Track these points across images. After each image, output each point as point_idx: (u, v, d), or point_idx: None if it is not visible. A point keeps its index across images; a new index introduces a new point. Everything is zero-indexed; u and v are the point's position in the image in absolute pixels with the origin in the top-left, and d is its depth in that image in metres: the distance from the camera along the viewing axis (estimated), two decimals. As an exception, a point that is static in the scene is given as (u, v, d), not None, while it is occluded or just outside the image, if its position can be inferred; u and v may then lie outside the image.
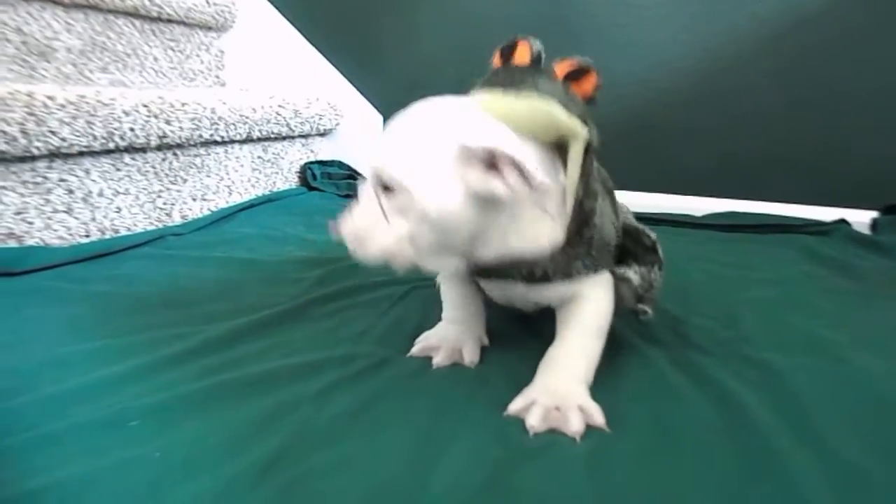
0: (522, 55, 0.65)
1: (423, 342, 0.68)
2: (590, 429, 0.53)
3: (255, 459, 0.47)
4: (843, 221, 1.31)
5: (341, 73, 1.76)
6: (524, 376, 0.59)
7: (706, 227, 1.35)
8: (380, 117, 1.76)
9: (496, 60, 0.67)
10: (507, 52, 0.66)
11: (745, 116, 1.47)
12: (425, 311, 0.79)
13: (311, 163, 1.63)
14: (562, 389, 0.56)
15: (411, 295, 0.86)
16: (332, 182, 1.62)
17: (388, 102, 1.75)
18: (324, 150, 1.70)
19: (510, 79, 0.61)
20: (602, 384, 0.59)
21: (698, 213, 1.42)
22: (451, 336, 0.67)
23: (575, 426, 0.52)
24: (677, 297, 0.87)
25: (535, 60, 0.64)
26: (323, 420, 0.53)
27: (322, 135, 1.68)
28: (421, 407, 0.56)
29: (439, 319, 0.71)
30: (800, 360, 0.67)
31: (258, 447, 0.49)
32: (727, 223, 1.35)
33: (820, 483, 0.46)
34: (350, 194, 1.59)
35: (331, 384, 0.59)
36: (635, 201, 1.30)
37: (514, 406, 0.55)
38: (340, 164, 1.68)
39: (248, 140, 1.40)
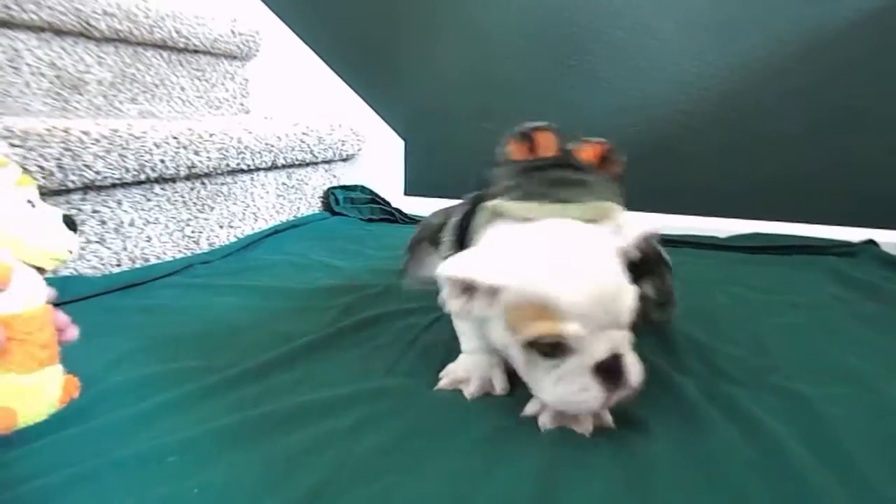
0: (547, 145, 0.65)
1: (452, 375, 0.68)
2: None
3: (292, 496, 0.48)
4: (871, 242, 1.30)
5: (363, 98, 1.79)
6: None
7: (731, 248, 1.35)
8: (401, 142, 1.78)
9: (517, 151, 0.66)
10: (529, 142, 0.65)
11: (768, 137, 1.47)
12: (454, 340, 0.79)
13: (335, 188, 1.65)
14: None
15: (437, 324, 0.87)
16: (355, 206, 1.64)
17: (409, 127, 1.78)
18: (346, 175, 1.72)
19: (552, 178, 0.62)
20: (632, 416, 0.59)
21: (723, 235, 1.41)
22: (480, 366, 0.68)
23: (585, 425, 0.58)
24: (704, 321, 0.87)
25: (564, 150, 0.65)
26: (357, 456, 0.53)
27: (345, 160, 1.70)
28: (456, 441, 0.56)
29: (460, 351, 0.71)
30: (831, 390, 0.66)
31: (295, 483, 0.49)
32: (752, 244, 1.35)
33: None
34: (373, 218, 1.62)
35: (363, 419, 0.59)
36: (659, 223, 1.30)
37: (529, 408, 0.61)
38: (363, 189, 1.70)
39: (273, 167, 1.42)
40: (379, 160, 1.76)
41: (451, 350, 0.75)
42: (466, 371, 0.68)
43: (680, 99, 1.51)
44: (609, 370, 0.53)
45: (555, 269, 0.53)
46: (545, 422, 0.58)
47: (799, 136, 1.45)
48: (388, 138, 1.77)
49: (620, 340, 0.54)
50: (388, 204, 1.67)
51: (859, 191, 1.41)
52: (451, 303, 0.58)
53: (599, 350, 0.53)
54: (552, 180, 0.62)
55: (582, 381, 0.53)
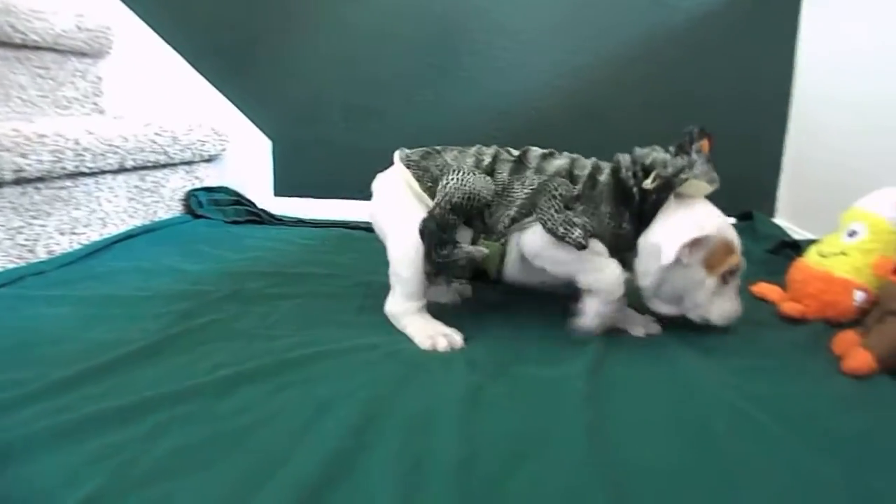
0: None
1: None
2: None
3: (67, 506, 0.46)
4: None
5: (227, 97, 1.74)
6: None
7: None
8: (268, 142, 1.75)
9: (705, 145, 0.84)
10: (709, 138, 0.85)
11: (614, 130, 1.56)
12: (299, 335, 0.80)
13: (196, 190, 1.60)
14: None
15: (280, 323, 0.87)
16: (219, 208, 1.59)
17: (277, 127, 1.75)
18: (211, 177, 1.67)
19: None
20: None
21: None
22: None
23: (638, 329, 0.88)
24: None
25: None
26: (146, 461, 0.52)
27: (207, 161, 1.65)
28: (249, 443, 0.56)
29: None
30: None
31: (74, 492, 0.48)
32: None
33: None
34: (238, 220, 1.58)
35: (161, 424, 0.58)
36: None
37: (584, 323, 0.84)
38: (227, 191, 1.65)
39: (123, 170, 1.36)
40: (245, 160, 1.72)
41: (293, 346, 0.74)
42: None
43: (534, 96, 1.58)
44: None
45: (724, 225, 0.82)
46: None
47: (639, 129, 1.54)
48: (254, 138, 1.73)
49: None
50: (254, 205, 1.63)
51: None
52: (686, 257, 0.79)
53: (743, 263, 0.84)
54: (713, 168, 0.83)
55: (733, 295, 0.84)
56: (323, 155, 1.73)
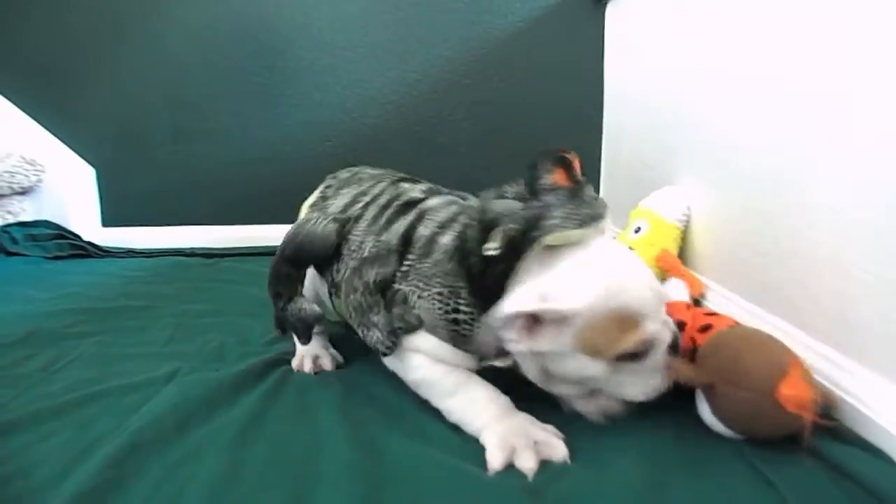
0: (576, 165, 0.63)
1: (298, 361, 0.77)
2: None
3: None
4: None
5: (42, 125, 1.62)
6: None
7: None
8: (92, 170, 1.65)
9: (560, 176, 0.62)
10: (568, 166, 0.62)
11: (444, 145, 1.61)
12: (88, 374, 0.77)
13: (9, 226, 1.48)
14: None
15: (73, 363, 0.82)
16: (38, 244, 1.48)
17: (101, 153, 1.65)
18: (27, 211, 1.55)
19: (586, 199, 0.61)
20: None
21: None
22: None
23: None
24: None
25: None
26: None
27: (22, 193, 1.53)
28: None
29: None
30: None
31: None
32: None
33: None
34: (60, 255, 1.47)
35: None
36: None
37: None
38: (48, 224, 1.54)
39: None
40: (66, 191, 1.61)
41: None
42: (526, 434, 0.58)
43: (368, 113, 1.60)
44: (673, 345, 0.60)
45: (619, 282, 0.57)
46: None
47: (467, 141, 1.61)
48: (75, 166, 1.63)
49: (665, 316, 0.61)
50: (79, 238, 1.53)
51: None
52: (517, 342, 0.57)
53: (666, 334, 0.59)
54: (587, 201, 0.61)
55: (663, 367, 0.59)
56: (153, 181, 1.66)
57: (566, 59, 1.58)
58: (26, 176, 1.50)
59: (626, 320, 0.56)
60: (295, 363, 0.78)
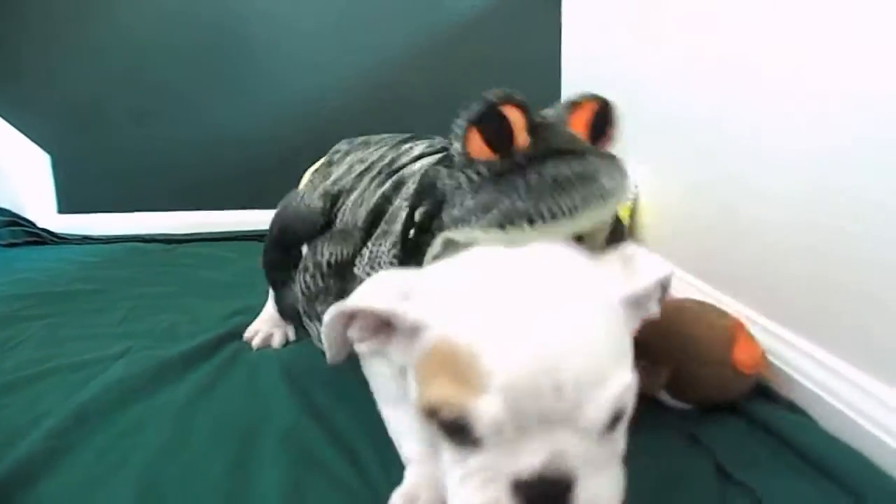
0: (520, 125, 0.44)
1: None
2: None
3: None
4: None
5: (-8, 110, 1.58)
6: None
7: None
8: (46, 156, 1.62)
9: (480, 146, 0.44)
10: (498, 127, 0.43)
11: (414, 124, 1.61)
12: (38, 354, 0.77)
13: (-41, 213, 1.45)
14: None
15: (22, 344, 0.82)
16: (-10, 232, 1.45)
17: (56, 139, 1.62)
18: (-22, 198, 1.52)
19: (544, 182, 0.42)
20: None
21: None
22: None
23: None
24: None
25: (545, 129, 0.45)
26: None
27: (-28, 180, 1.50)
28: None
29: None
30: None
31: None
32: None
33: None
34: (15, 242, 1.45)
35: None
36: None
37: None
38: (1, 211, 1.51)
39: None
40: (19, 177, 1.58)
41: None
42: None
43: (330, 93, 1.60)
44: (538, 497, 0.34)
45: (498, 314, 0.35)
46: None
47: (436, 122, 1.61)
48: (28, 152, 1.59)
49: (574, 452, 0.34)
50: (34, 225, 1.51)
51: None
52: (359, 343, 0.42)
53: (527, 459, 0.33)
54: (552, 183, 0.42)
55: (493, 495, 0.34)
56: (111, 166, 1.63)
57: (525, 43, 1.60)
58: (-23, 162, 1.47)
59: (458, 368, 0.35)
60: (247, 334, 0.79)
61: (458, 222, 0.43)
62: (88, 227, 1.59)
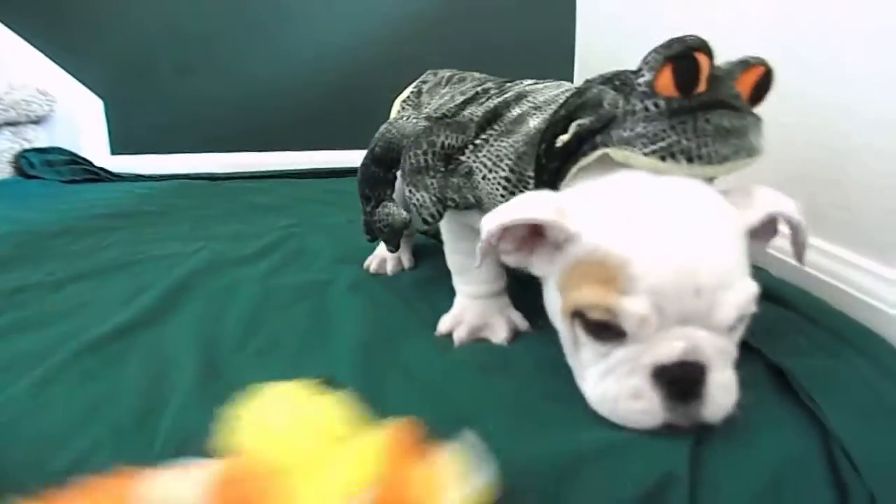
0: (706, 74, 0.47)
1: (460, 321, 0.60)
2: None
3: None
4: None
5: (50, 58, 1.72)
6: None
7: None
8: (99, 102, 1.76)
9: (668, 83, 0.46)
10: (689, 70, 0.46)
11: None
12: (130, 250, 0.90)
13: (26, 151, 1.59)
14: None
15: (113, 245, 0.96)
16: (54, 169, 1.60)
17: (110, 86, 1.76)
18: (41, 139, 1.66)
19: (713, 128, 0.46)
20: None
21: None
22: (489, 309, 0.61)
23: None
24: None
25: (719, 82, 0.48)
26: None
27: (35, 122, 1.64)
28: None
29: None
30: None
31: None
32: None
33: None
34: (75, 179, 1.60)
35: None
36: (342, 158, 1.50)
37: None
38: (61, 151, 1.66)
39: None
40: (76, 121, 1.72)
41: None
42: (481, 316, 0.59)
43: (362, 48, 1.72)
44: (677, 380, 0.40)
45: (646, 228, 0.42)
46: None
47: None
48: (83, 98, 1.74)
49: (706, 345, 0.40)
50: (92, 164, 1.65)
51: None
52: (505, 255, 0.48)
53: (668, 348, 0.40)
54: (714, 130, 0.46)
55: (634, 383, 0.41)
56: (158, 111, 1.77)
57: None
58: (40, 105, 1.61)
59: (609, 274, 0.41)
60: (366, 262, 0.80)
61: (624, 143, 0.46)
62: (139, 166, 1.73)
